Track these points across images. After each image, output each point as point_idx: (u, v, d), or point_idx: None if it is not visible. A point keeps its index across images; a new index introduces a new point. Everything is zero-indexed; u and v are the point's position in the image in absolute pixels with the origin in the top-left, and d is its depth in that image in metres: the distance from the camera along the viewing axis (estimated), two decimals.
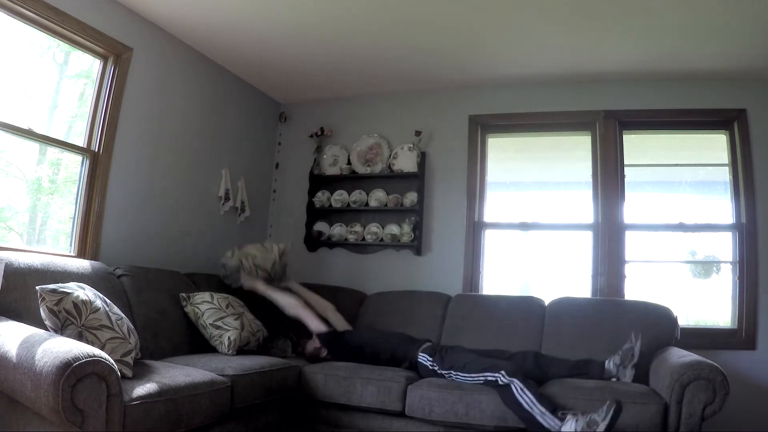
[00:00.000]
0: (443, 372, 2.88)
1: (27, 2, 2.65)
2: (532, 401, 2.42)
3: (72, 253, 2.99)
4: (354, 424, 2.89)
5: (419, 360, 3.02)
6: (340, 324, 3.48)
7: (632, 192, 3.84)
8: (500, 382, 2.55)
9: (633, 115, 3.86)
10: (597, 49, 3.48)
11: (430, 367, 2.96)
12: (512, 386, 2.49)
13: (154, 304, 2.94)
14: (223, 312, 3.12)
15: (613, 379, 2.73)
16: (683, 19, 3.02)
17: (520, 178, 4.23)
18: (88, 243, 3.03)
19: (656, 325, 3.08)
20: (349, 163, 4.39)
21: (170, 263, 3.48)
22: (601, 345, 3.05)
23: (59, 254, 2.86)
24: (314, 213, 4.42)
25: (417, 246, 4.08)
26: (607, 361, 2.80)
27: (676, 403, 2.35)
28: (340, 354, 3.21)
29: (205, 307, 3.10)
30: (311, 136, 4.50)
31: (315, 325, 3.32)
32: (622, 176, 3.83)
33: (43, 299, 2.08)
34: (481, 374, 2.69)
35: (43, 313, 2.09)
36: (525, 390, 2.45)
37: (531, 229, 4.02)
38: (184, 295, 3.13)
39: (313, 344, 3.37)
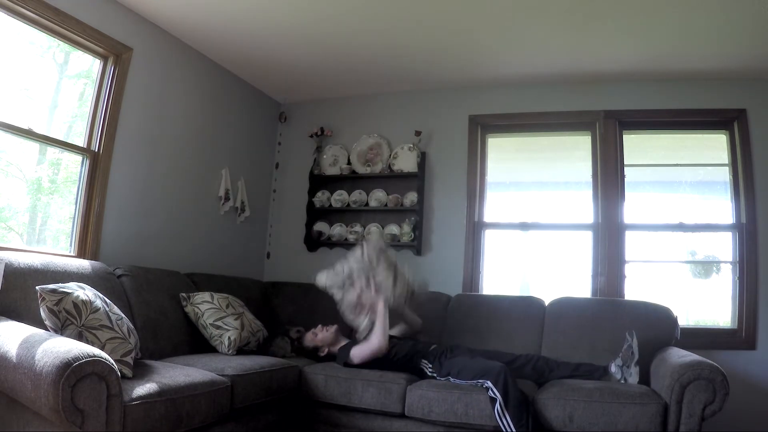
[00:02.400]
0: (441, 379, 2.90)
1: (27, 2, 2.65)
2: (510, 425, 2.44)
3: (72, 253, 2.99)
4: (354, 425, 2.89)
5: (422, 368, 3.04)
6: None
7: (632, 192, 3.84)
8: (490, 394, 2.56)
9: (633, 115, 3.86)
10: (597, 49, 3.48)
11: (430, 374, 2.99)
12: (496, 403, 2.51)
13: (154, 304, 2.94)
14: (223, 312, 3.12)
15: (621, 381, 2.73)
16: (683, 19, 3.02)
17: (520, 178, 4.23)
18: (88, 243, 3.03)
19: (656, 325, 3.08)
20: (349, 163, 4.39)
21: (170, 263, 3.48)
22: (601, 345, 3.06)
23: (59, 254, 2.86)
24: (314, 213, 4.42)
25: (417, 246, 4.08)
26: (610, 365, 2.80)
27: (676, 403, 2.35)
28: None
29: (205, 307, 3.10)
30: (311, 136, 4.50)
31: (359, 358, 3.04)
32: (622, 176, 3.83)
33: (43, 299, 2.08)
34: (473, 381, 2.71)
35: (43, 313, 2.09)
36: (506, 412, 2.47)
37: (531, 229, 4.02)
38: (184, 295, 3.13)
39: (314, 340, 3.37)
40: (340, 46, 3.62)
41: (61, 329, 2.08)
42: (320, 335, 3.36)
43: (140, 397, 1.99)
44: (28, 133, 2.79)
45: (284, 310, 3.89)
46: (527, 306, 3.46)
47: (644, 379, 2.77)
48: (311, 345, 3.37)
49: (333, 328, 3.37)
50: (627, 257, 3.74)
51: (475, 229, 4.04)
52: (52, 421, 1.81)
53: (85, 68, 3.18)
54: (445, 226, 4.10)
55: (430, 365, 3.01)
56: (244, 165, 4.30)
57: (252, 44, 3.67)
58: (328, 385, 2.93)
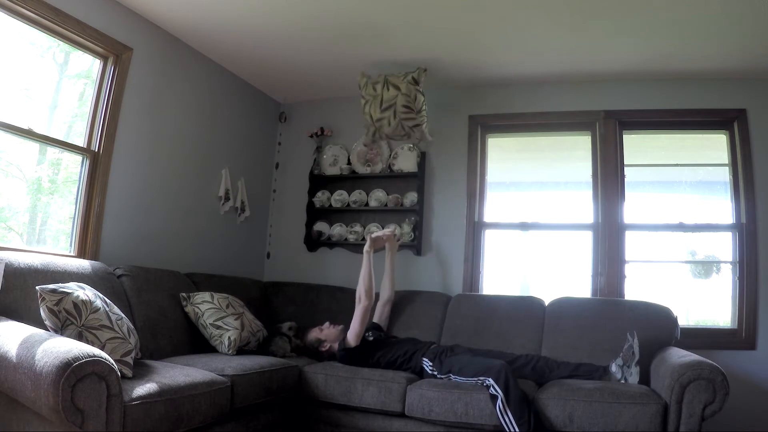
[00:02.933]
0: (442, 377, 2.90)
1: (27, 2, 2.65)
2: (511, 422, 2.44)
3: (72, 253, 2.99)
4: (354, 424, 2.90)
5: (423, 366, 3.05)
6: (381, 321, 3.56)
7: (632, 192, 3.84)
8: (491, 392, 2.56)
9: (633, 115, 3.86)
10: (597, 49, 3.48)
11: (430, 372, 2.99)
12: (498, 400, 2.51)
13: (154, 304, 2.94)
14: (223, 312, 3.12)
15: (621, 381, 2.73)
16: (683, 19, 3.02)
17: (520, 178, 4.23)
18: (88, 243, 3.03)
19: (656, 325, 3.08)
20: (349, 163, 4.39)
21: (170, 263, 3.48)
22: (601, 345, 3.06)
23: (59, 254, 2.86)
24: (314, 213, 4.42)
25: (417, 246, 4.08)
26: (610, 365, 2.80)
27: (676, 403, 2.35)
28: (354, 365, 3.16)
29: (206, 307, 3.10)
30: (311, 136, 4.50)
31: (354, 333, 3.24)
32: (622, 176, 3.83)
33: (43, 299, 2.08)
34: (474, 378, 2.71)
35: (43, 313, 2.10)
36: (507, 410, 2.48)
37: (531, 229, 4.02)
38: (184, 295, 3.13)
39: (318, 335, 3.37)
40: (340, 46, 3.62)
41: (61, 329, 2.08)
42: (326, 331, 3.39)
43: (140, 397, 1.99)
44: (28, 133, 2.79)
45: (284, 310, 3.89)
46: (527, 306, 3.46)
47: (644, 379, 2.77)
48: (314, 338, 3.38)
49: (340, 327, 3.38)
50: (627, 257, 3.74)
51: (475, 229, 4.04)
52: (52, 421, 1.81)
53: (85, 68, 3.18)
54: (445, 226, 4.10)
55: (431, 363, 3.01)
56: (244, 165, 4.30)
57: (252, 44, 3.67)
58: (328, 385, 2.93)
